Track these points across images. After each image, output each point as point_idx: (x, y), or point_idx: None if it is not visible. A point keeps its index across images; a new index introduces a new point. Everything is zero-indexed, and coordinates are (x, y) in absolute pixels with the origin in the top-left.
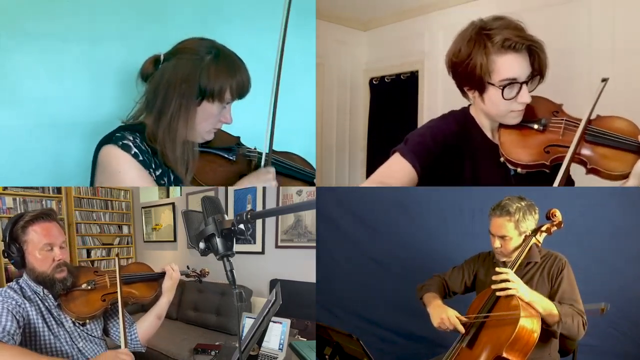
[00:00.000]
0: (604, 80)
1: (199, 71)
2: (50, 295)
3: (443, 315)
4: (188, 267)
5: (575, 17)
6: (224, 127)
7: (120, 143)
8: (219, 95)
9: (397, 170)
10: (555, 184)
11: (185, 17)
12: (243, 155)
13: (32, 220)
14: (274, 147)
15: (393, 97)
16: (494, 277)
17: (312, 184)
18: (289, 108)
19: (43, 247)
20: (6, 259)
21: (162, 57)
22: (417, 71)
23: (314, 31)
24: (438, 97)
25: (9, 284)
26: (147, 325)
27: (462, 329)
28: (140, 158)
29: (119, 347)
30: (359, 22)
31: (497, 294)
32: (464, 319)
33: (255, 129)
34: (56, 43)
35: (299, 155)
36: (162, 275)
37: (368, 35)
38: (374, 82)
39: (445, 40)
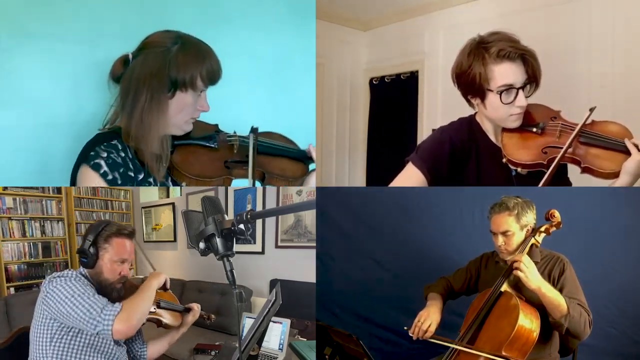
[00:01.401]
0: (591, 110)
1: (167, 63)
2: None
3: (422, 319)
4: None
5: (575, 17)
6: (202, 117)
7: (92, 163)
8: (190, 84)
9: (410, 176)
10: (543, 179)
11: (185, 17)
12: (224, 141)
13: (117, 233)
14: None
15: (393, 97)
16: (509, 258)
17: (300, 160)
18: (289, 108)
19: (118, 259)
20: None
21: (130, 56)
22: (417, 71)
23: (314, 31)
24: (438, 97)
25: (73, 270)
26: (158, 349)
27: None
28: (109, 177)
29: None
30: (359, 22)
31: (514, 265)
32: (438, 338)
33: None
34: (56, 43)
35: (279, 134)
36: (187, 310)
37: (368, 35)
38: (374, 82)
39: (445, 40)
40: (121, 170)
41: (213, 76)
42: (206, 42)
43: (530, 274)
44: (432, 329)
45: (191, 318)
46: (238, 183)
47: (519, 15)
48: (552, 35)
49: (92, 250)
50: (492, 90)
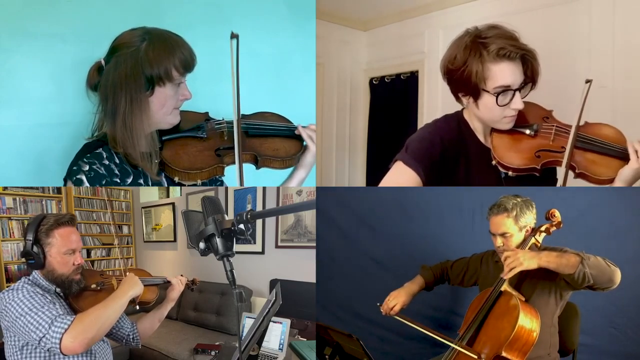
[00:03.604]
0: (588, 81)
1: (139, 62)
2: (61, 294)
3: (390, 298)
4: (182, 276)
5: (575, 18)
6: (191, 107)
7: (74, 179)
8: (167, 77)
9: (403, 180)
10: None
11: (185, 17)
12: (212, 129)
13: (57, 225)
14: (245, 112)
15: (393, 97)
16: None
17: (293, 138)
18: (288, 107)
19: (66, 251)
20: (23, 259)
21: (103, 62)
22: (417, 71)
23: (314, 31)
24: (438, 97)
25: (22, 279)
26: (148, 326)
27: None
28: None
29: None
30: (359, 22)
31: (507, 276)
32: (404, 317)
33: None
34: (56, 43)
35: (271, 112)
36: (168, 282)
37: (368, 35)
38: (374, 82)
39: (445, 40)
40: (104, 181)
41: (187, 64)
42: (176, 34)
43: (524, 260)
44: (397, 308)
45: (175, 292)
46: (231, 170)
47: (518, 15)
48: (552, 35)
49: (35, 249)
50: (487, 91)
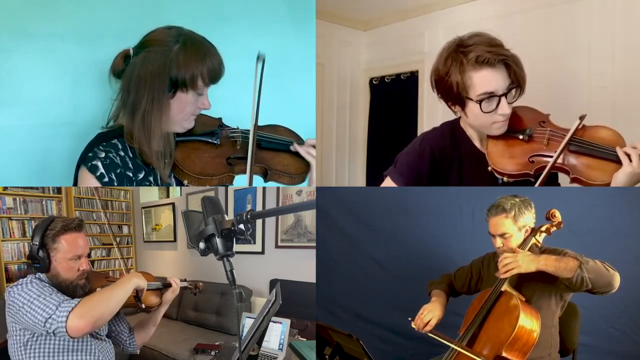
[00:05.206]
0: (582, 117)
1: (168, 63)
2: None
3: (425, 312)
4: (185, 280)
5: (575, 17)
6: (205, 111)
7: (90, 164)
8: (191, 84)
9: None
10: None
11: (185, 17)
12: (226, 137)
13: (64, 230)
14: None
15: (393, 97)
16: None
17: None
18: (289, 108)
19: (72, 257)
20: (29, 261)
21: (131, 52)
22: (417, 71)
23: (314, 31)
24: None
25: (30, 276)
26: (142, 333)
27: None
28: (105, 179)
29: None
30: (359, 22)
31: (503, 276)
32: (437, 334)
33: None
34: (56, 43)
35: (284, 127)
36: (167, 285)
37: (368, 35)
38: (374, 82)
39: (445, 40)
40: (118, 170)
41: (214, 75)
42: (209, 42)
43: (523, 263)
44: (433, 323)
45: (171, 295)
46: (240, 179)
47: (518, 15)
48: (552, 36)
49: (41, 253)
50: (471, 99)
